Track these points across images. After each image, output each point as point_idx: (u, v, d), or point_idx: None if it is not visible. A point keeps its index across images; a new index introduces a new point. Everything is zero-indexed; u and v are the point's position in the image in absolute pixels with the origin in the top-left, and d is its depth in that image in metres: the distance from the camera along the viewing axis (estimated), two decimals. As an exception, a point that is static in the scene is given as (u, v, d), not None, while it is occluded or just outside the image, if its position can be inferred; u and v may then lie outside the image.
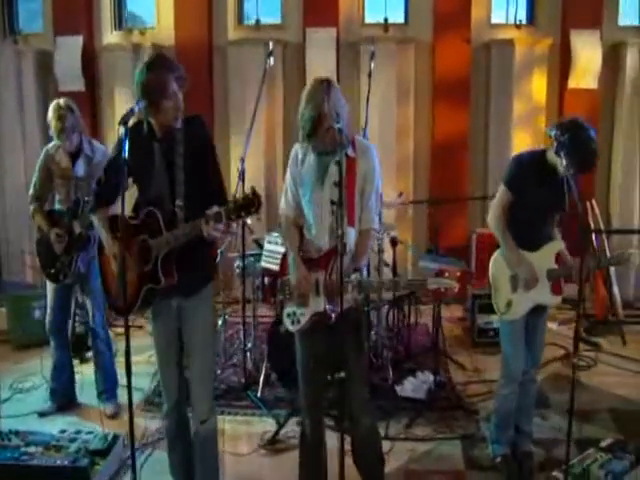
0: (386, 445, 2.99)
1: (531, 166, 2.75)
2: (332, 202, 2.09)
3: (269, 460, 3.13)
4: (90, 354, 4.39)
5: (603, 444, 3.04)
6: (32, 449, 3.02)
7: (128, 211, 2.53)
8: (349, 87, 5.51)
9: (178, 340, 2.48)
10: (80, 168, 3.36)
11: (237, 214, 2.02)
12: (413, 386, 3.77)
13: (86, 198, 3.32)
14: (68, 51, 5.42)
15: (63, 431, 3.18)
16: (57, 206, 3.47)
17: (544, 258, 2.79)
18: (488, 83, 5.54)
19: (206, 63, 5.56)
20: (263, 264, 3.42)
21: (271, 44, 3.66)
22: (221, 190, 2.34)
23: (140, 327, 5.16)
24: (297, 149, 2.50)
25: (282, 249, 3.33)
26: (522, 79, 5.37)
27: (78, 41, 5.43)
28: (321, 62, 5.37)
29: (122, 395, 3.68)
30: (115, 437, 3.14)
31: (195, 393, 2.46)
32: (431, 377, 3.81)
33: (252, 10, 5.77)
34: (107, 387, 3.64)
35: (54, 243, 3.33)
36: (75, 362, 4.17)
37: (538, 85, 5.36)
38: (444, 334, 3.87)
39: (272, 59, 3.64)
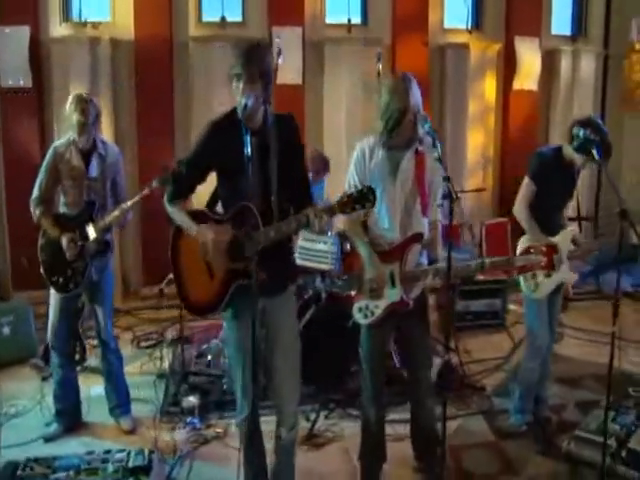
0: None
1: (551, 161, 3.07)
2: (444, 196, 2.20)
3: (315, 454, 3.16)
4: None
5: (604, 403, 3.45)
6: (62, 475, 2.78)
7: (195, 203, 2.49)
8: (313, 86, 5.62)
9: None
10: (94, 168, 3.12)
11: (351, 207, 2.01)
12: (422, 370, 3.97)
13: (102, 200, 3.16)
14: (13, 43, 4.96)
15: (90, 452, 2.94)
16: (62, 209, 3.20)
17: (563, 241, 3.12)
18: (443, 84, 5.92)
19: (167, 60, 5.37)
20: (299, 262, 3.41)
21: (279, 42, 3.66)
22: (308, 187, 2.34)
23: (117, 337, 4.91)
24: (364, 147, 2.56)
25: (325, 247, 3.41)
26: (475, 81, 5.81)
27: (24, 32, 4.99)
28: (288, 61, 5.38)
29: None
30: (151, 452, 2.99)
31: (284, 398, 2.40)
32: (436, 360, 4.04)
33: (210, 7, 5.65)
34: (121, 401, 3.44)
35: (67, 249, 3.06)
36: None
37: (489, 86, 5.82)
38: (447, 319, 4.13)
39: (281, 58, 3.64)
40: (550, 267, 2.83)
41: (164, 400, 3.70)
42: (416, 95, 2.39)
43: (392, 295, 2.53)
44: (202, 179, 2.33)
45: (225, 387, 3.71)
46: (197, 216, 2.31)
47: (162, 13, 5.24)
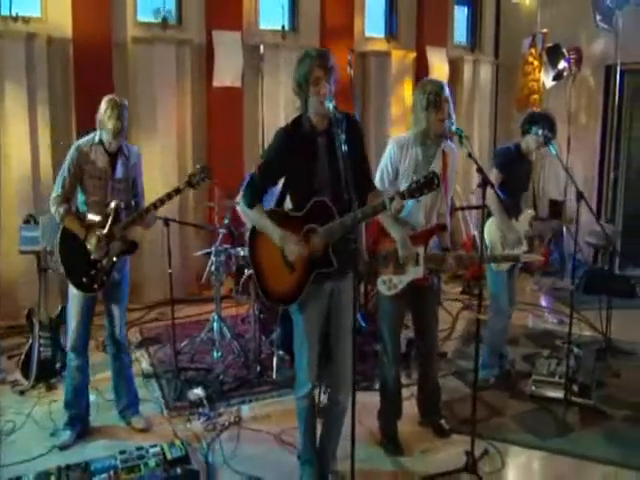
0: (408, 391, 3.63)
1: (514, 154, 3.74)
2: (478, 185, 2.64)
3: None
4: (54, 380, 3.97)
5: (545, 354, 4.20)
6: (103, 477, 2.81)
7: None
8: (252, 90, 5.82)
9: (325, 322, 2.63)
10: (120, 170, 3.13)
11: (420, 192, 2.28)
12: (395, 344, 4.46)
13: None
14: None
15: (123, 452, 2.99)
16: (82, 208, 3.15)
17: (522, 224, 3.78)
18: (366, 88, 6.47)
19: (106, 59, 5.23)
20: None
21: (262, 47, 3.87)
22: (371, 178, 2.60)
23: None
24: (400, 141, 2.94)
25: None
26: (396, 85, 6.43)
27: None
28: (229, 64, 5.54)
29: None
30: (182, 443, 3.10)
31: (346, 367, 2.59)
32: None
33: (148, 8, 5.60)
34: (131, 401, 3.46)
35: (95, 249, 3.05)
36: (37, 392, 3.78)
37: (407, 91, 6.48)
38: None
39: (261, 63, 3.84)
40: (546, 266, 3.45)
41: (165, 397, 3.77)
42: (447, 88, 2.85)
43: (415, 272, 2.96)
44: (276, 182, 2.52)
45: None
46: (276, 216, 2.48)
47: (101, 11, 5.10)
